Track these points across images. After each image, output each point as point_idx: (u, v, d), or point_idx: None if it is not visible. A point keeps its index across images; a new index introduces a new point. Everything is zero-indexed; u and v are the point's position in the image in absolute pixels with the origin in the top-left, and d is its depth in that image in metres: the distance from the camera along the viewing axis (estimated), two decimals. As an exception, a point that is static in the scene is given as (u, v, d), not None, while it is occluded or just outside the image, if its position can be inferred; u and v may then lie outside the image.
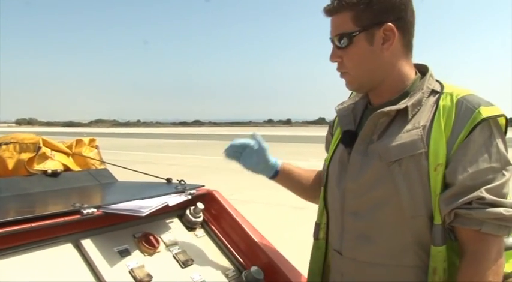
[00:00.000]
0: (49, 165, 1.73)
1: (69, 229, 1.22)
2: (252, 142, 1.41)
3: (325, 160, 1.33)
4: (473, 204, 1.01)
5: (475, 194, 1.00)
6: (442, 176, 1.05)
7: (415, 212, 1.07)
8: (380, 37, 1.11)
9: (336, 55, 1.15)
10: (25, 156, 1.71)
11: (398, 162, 1.07)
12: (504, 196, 1.03)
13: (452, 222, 1.04)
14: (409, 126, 1.09)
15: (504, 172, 1.04)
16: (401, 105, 1.11)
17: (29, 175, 1.68)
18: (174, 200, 1.43)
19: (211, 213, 1.66)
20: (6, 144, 1.74)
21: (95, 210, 1.25)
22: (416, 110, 1.11)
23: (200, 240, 1.54)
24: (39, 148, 1.73)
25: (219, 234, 1.61)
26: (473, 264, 1.02)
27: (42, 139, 1.78)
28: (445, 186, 1.06)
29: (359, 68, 1.14)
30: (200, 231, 1.58)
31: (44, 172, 1.71)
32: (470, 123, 1.03)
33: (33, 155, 1.71)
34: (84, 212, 1.23)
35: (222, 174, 10.55)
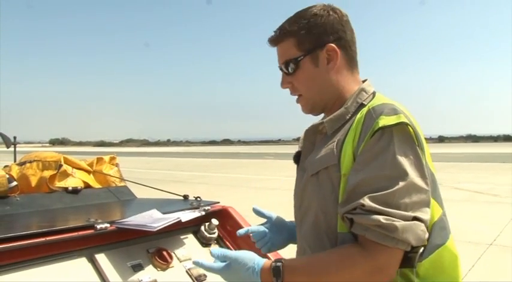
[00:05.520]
0: (70, 183, 1.78)
1: (84, 244, 1.26)
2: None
3: None
4: (356, 210, 0.99)
5: (358, 201, 0.98)
6: (344, 184, 1.06)
7: (330, 221, 1.08)
8: (324, 58, 1.16)
9: (286, 81, 1.21)
10: (47, 173, 1.77)
11: (316, 174, 1.11)
12: (398, 206, 0.97)
13: (350, 228, 1.02)
14: (330, 141, 1.13)
15: (400, 181, 0.98)
16: (320, 122, 1.18)
17: (50, 192, 1.73)
18: (187, 216, 1.45)
19: (226, 229, 1.67)
20: (30, 162, 1.81)
21: (108, 225, 1.28)
22: (339, 124, 1.14)
23: (214, 256, 1.55)
24: (61, 166, 1.78)
25: (233, 250, 1.61)
26: (348, 257, 0.99)
27: (64, 157, 1.84)
28: None
29: (310, 90, 1.19)
30: (215, 247, 1.59)
31: (65, 189, 1.76)
32: (370, 133, 1.04)
33: (54, 172, 1.77)
34: (98, 227, 1.26)
35: (250, 192, 10.55)
